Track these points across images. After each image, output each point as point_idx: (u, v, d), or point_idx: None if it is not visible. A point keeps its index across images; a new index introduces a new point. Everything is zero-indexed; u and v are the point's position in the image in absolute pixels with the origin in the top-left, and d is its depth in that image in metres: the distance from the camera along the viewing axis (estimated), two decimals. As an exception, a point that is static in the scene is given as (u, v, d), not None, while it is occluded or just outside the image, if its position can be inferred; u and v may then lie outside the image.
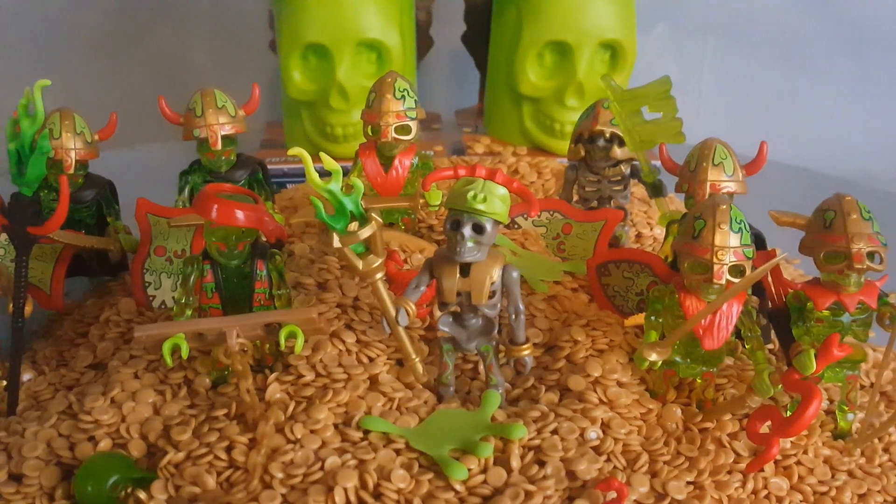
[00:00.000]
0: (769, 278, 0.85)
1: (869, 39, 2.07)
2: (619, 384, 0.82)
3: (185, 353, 0.74)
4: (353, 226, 0.73)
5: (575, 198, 1.13)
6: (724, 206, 0.76)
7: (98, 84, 1.96)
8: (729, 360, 0.87)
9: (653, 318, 0.81)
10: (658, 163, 0.99)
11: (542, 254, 1.04)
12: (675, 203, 1.18)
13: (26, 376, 0.90)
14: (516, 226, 1.09)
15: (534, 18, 1.52)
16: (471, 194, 0.73)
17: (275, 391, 0.79)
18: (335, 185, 0.72)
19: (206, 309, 0.81)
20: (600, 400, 0.80)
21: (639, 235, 1.20)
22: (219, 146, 0.99)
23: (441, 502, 0.69)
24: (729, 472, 0.75)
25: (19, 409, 0.85)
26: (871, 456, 0.81)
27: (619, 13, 1.51)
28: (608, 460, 0.75)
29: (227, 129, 1.00)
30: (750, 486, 0.74)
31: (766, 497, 0.74)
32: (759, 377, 0.77)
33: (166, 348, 0.74)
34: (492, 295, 0.77)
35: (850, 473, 0.79)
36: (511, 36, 1.58)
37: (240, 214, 0.75)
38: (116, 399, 0.80)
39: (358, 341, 0.85)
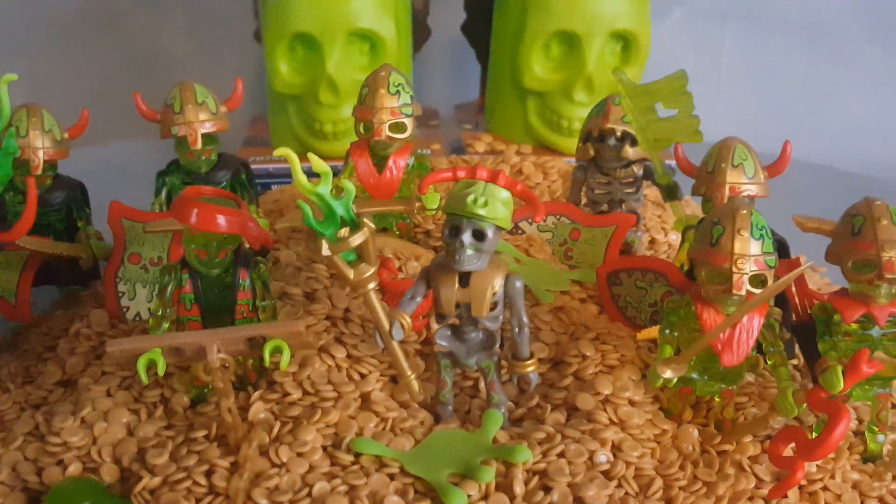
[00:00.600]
0: (793, 289, 0.86)
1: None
2: (631, 403, 0.82)
3: (161, 370, 0.74)
4: (344, 232, 0.73)
5: (583, 201, 1.13)
6: (745, 211, 0.76)
7: (68, 77, 1.96)
8: (750, 377, 0.87)
9: (667, 331, 0.81)
10: (673, 163, 0.99)
11: (548, 261, 1.05)
12: (692, 207, 1.18)
13: (-11, 394, 0.90)
14: (520, 231, 1.09)
15: (539, 6, 1.52)
16: (471, 198, 0.73)
17: (258, 410, 0.79)
18: (324, 187, 0.72)
19: (184, 322, 0.81)
20: (611, 420, 0.80)
21: (652, 241, 1.20)
22: (198, 145, 0.99)
23: (438, 531, 0.70)
24: (750, 499, 0.75)
25: (-19, 430, 0.85)
26: (903, 481, 0.81)
27: (632, 0, 1.51)
28: (619, 486, 0.75)
29: (208, 127, 1.00)
30: (773, 513, 0.74)
31: (791, 525, 0.75)
32: (783, 395, 0.77)
33: (141, 364, 0.74)
34: (493, 306, 0.77)
35: (881, 500, 0.79)
36: (515, 25, 1.58)
37: (221, 219, 0.75)
38: (87, 419, 0.80)
39: (349, 356, 0.85)
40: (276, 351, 0.75)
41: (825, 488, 0.77)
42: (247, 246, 0.82)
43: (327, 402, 0.80)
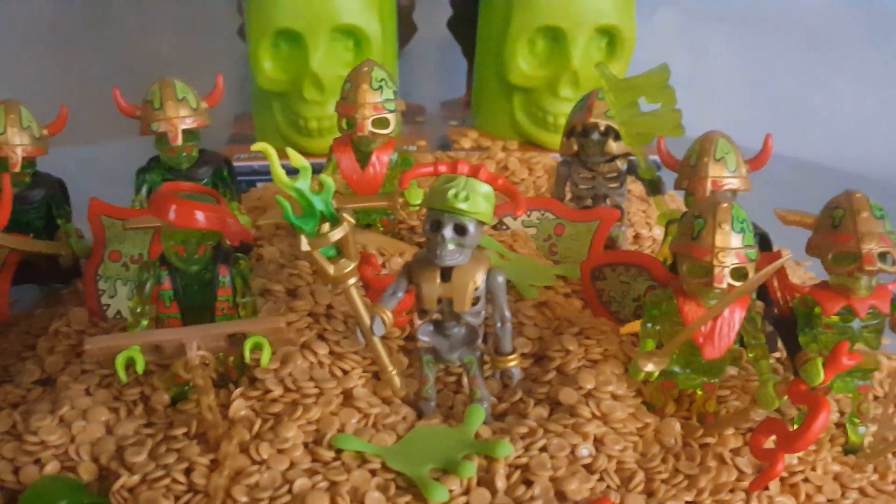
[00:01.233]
0: (774, 282, 0.86)
1: (890, 26, 2.08)
2: (614, 397, 0.82)
3: (140, 368, 0.74)
4: (324, 227, 0.74)
5: (568, 196, 1.13)
6: (726, 205, 0.76)
7: (48, 73, 1.96)
8: (732, 370, 0.88)
9: (649, 325, 0.82)
10: (656, 158, 1.00)
11: (532, 257, 1.05)
12: (676, 201, 1.19)
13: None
14: (504, 226, 1.09)
15: (525, 2, 1.53)
16: (452, 192, 0.73)
17: (239, 408, 0.79)
18: (303, 182, 0.72)
19: (163, 319, 0.81)
20: (593, 414, 0.80)
21: (637, 236, 1.20)
22: (179, 141, 0.99)
23: (419, 526, 0.70)
24: (731, 491, 0.75)
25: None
26: (884, 472, 0.81)
27: (617, -4, 1.51)
28: (601, 479, 0.75)
29: (189, 123, 1.00)
30: (754, 505, 0.75)
31: (772, 517, 0.75)
32: (764, 388, 0.77)
33: (120, 362, 0.74)
34: (475, 301, 0.77)
35: (862, 491, 0.79)
36: (500, 21, 1.58)
37: (200, 215, 0.75)
38: (66, 418, 0.80)
39: (331, 353, 0.85)
40: (257, 348, 0.76)
41: (806, 480, 0.78)
42: (227, 242, 0.82)
43: (309, 399, 0.80)
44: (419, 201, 0.98)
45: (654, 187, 1.06)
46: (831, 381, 0.76)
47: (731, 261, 0.75)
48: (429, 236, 0.75)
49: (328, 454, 0.75)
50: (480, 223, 0.75)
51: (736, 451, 0.79)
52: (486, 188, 0.75)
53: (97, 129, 1.57)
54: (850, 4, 2.08)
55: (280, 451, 0.75)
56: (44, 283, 1.09)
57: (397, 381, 0.82)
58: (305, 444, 0.77)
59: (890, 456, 0.83)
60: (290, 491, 0.72)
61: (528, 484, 0.73)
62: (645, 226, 1.21)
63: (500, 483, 0.73)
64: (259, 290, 0.91)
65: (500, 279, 0.77)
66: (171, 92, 1.00)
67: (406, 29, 1.79)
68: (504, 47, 1.56)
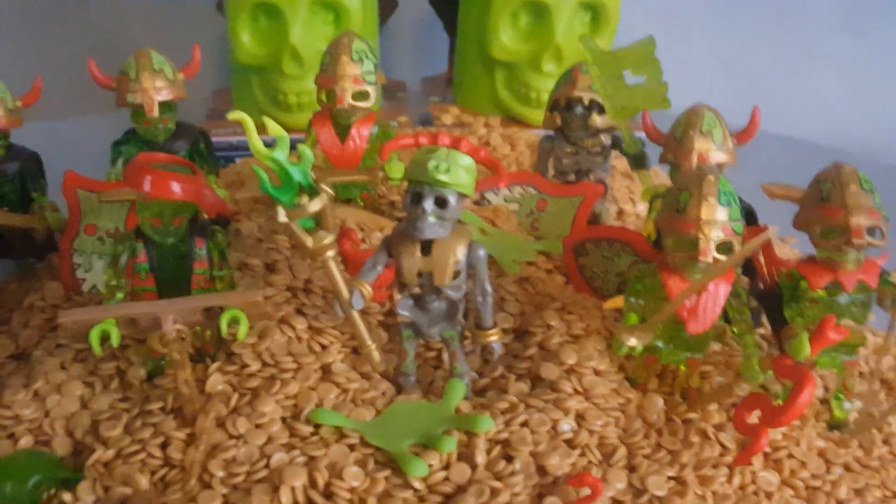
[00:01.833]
0: (761, 257, 0.85)
1: (868, 4, 2.08)
2: (596, 372, 0.82)
3: (115, 341, 0.73)
4: (302, 199, 0.73)
5: (551, 172, 1.12)
6: (712, 178, 0.75)
7: (22, 47, 1.94)
8: (716, 346, 0.87)
9: (633, 299, 0.81)
10: (642, 135, 0.99)
11: (514, 232, 1.04)
12: (661, 176, 1.18)
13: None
14: (486, 202, 1.09)
15: (508, -24, 1.51)
16: (432, 164, 0.72)
17: (216, 382, 0.79)
18: (280, 153, 0.71)
19: (139, 292, 0.80)
20: (575, 390, 0.79)
21: (620, 212, 1.20)
22: (155, 113, 0.98)
23: (398, 501, 0.69)
24: (714, 466, 0.75)
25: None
26: (868, 448, 0.81)
27: (602, -30, 1.50)
28: (582, 454, 0.75)
29: (165, 95, 0.98)
30: (737, 480, 0.74)
31: (755, 493, 0.75)
32: (748, 363, 0.77)
33: (94, 335, 0.73)
34: (456, 275, 0.76)
35: (847, 467, 0.79)
36: (483, -5, 1.57)
37: (175, 186, 0.74)
38: (40, 392, 0.79)
39: (309, 328, 0.84)
40: (234, 321, 0.75)
41: (790, 456, 0.78)
42: (203, 215, 0.80)
43: (287, 374, 0.79)
44: (400, 175, 0.97)
45: (639, 162, 1.06)
46: (817, 356, 0.75)
47: (716, 234, 0.74)
48: (409, 209, 0.74)
49: (306, 429, 0.75)
50: (462, 196, 0.74)
51: (719, 427, 0.78)
52: (467, 160, 0.74)
53: (72, 104, 1.56)
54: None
55: (257, 426, 0.75)
56: (18, 258, 1.08)
57: (376, 355, 0.81)
58: (283, 419, 0.76)
59: (874, 432, 0.83)
60: (267, 465, 0.71)
61: (509, 459, 0.73)
62: (628, 201, 1.21)
63: (480, 458, 0.72)
64: (237, 265, 0.90)
65: (482, 253, 0.77)
66: (147, 62, 0.98)
67: (387, 4, 1.77)
68: (487, 22, 1.55)
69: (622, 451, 0.75)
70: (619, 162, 1.27)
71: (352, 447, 0.73)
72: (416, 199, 0.73)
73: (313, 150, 0.96)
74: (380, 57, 1.52)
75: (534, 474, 0.72)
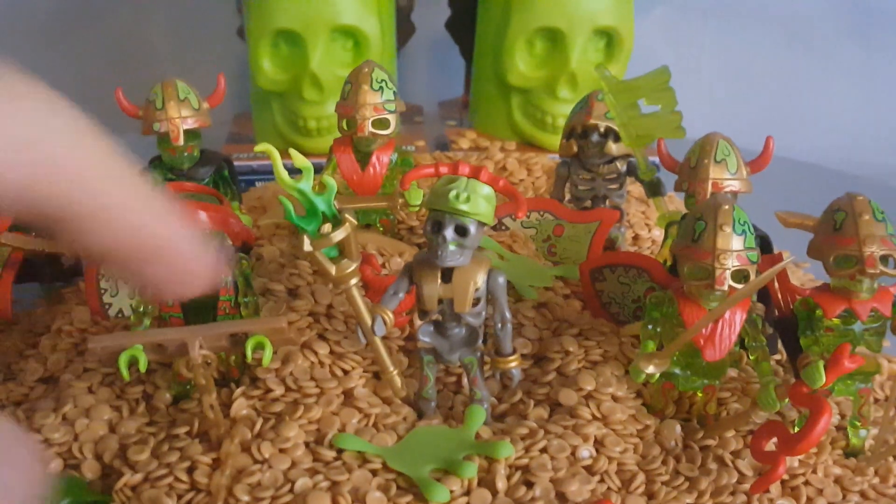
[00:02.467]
0: (775, 284, 0.86)
1: (880, 23, 2.08)
2: (614, 398, 0.82)
3: (143, 366, 0.74)
4: (326, 228, 0.73)
5: (567, 197, 1.13)
6: (727, 207, 0.76)
7: (48, 73, 1.94)
8: (732, 373, 0.87)
9: (650, 326, 0.81)
10: (656, 159, 0.99)
11: (532, 257, 1.05)
12: (675, 203, 1.19)
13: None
14: (503, 227, 1.09)
15: (523, 3, 1.52)
16: (453, 193, 0.73)
17: (241, 407, 0.79)
18: (305, 183, 0.72)
19: (166, 318, 0.81)
20: (593, 415, 0.80)
21: (636, 237, 1.20)
22: (181, 141, 0.99)
23: (421, 527, 0.69)
24: (732, 494, 0.75)
25: (-38, 427, 0.84)
26: (885, 475, 0.81)
27: (616, -3, 1.51)
28: (601, 481, 0.75)
29: (190, 123, 0.99)
30: (754, 508, 0.75)
31: (773, 520, 0.75)
32: (765, 390, 0.77)
33: (123, 361, 0.74)
34: (476, 302, 0.77)
35: (863, 494, 0.79)
36: (499, 22, 1.58)
37: (203, 216, 0.75)
38: (68, 416, 0.80)
39: (331, 353, 0.85)
40: (259, 347, 0.75)
41: (807, 483, 0.78)
42: (229, 242, 0.81)
43: (310, 399, 0.79)
44: (419, 202, 0.98)
45: (654, 189, 1.06)
46: (832, 383, 0.76)
47: (732, 263, 0.74)
48: (430, 237, 0.74)
49: (329, 454, 0.75)
50: (481, 224, 0.75)
51: (737, 454, 0.78)
52: (487, 189, 0.75)
53: (96, 127, 1.57)
54: (845, 3, 2.08)
55: (281, 451, 0.75)
56: (45, 282, 1.09)
57: (398, 381, 0.82)
58: (306, 444, 0.76)
59: (891, 459, 0.83)
60: (291, 490, 0.71)
61: (529, 485, 0.73)
62: (644, 227, 1.21)
63: (501, 484, 0.73)
64: (260, 290, 0.91)
65: (501, 280, 0.77)
66: (174, 92, 0.99)
67: (404, 29, 1.78)
68: (502, 48, 1.56)
69: (640, 478, 0.75)
70: (634, 188, 1.27)
71: (374, 472, 0.74)
72: (437, 227, 0.74)
73: (334, 177, 0.97)
74: (397, 80, 1.53)
75: (553, 500, 0.72)
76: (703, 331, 0.77)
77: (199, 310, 0.81)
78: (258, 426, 0.77)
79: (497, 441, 0.76)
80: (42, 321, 1.00)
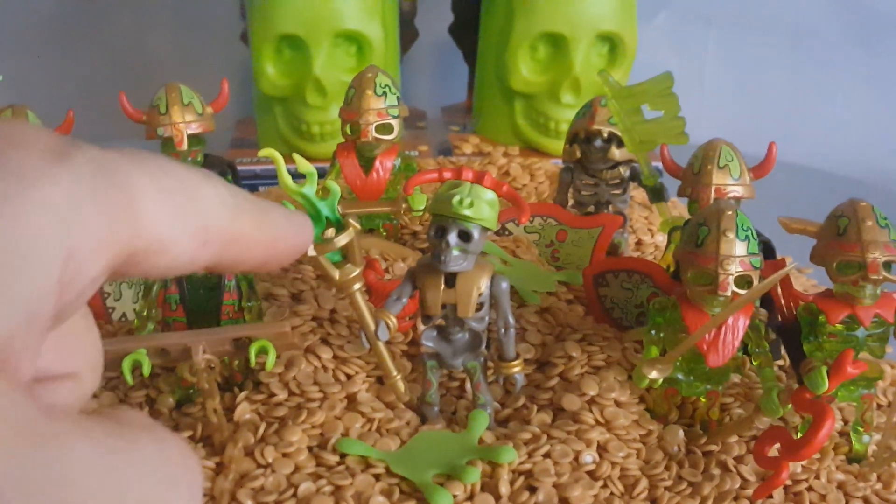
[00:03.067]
0: (778, 290, 0.86)
1: (883, 28, 2.08)
2: (617, 403, 0.82)
3: (146, 371, 0.74)
4: (330, 232, 0.73)
5: (570, 202, 1.13)
6: (730, 212, 0.76)
7: (53, 78, 1.96)
8: (735, 378, 0.88)
9: (653, 332, 0.81)
10: (659, 165, 0.99)
11: (535, 262, 1.05)
12: (678, 208, 1.19)
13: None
14: (507, 232, 1.09)
15: (526, 8, 1.53)
16: (456, 199, 0.73)
17: (244, 411, 0.79)
18: (309, 188, 0.72)
19: (169, 322, 0.81)
20: (596, 421, 0.80)
21: (639, 243, 1.20)
22: (184, 146, 0.99)
23: (424, 531, 0.69)
24: (735, 499, 0.75)
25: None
26: (888, 481, 0.81)
27: (619, 2, 1.51)
28: (604, 486, 0.75)
29: (194, 128, 0.99)
30: (757, 513, 0.75)
31: (775, 525, 0.75)
32: (768, 396, 0.77)
33: (126, 365, 0.73)
34: (479, 307, 0.77)
35: (866, 500, 0.79)
36: (502, 27, 1.58)
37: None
38: (71, 420, 0.80)
39: (335, 357, 0.85)
40: (262, 352, 0.75)
41: (810, 489, 0.78)
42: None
43: (313, 403, 0.80)
44: (422, 207, 0.98)
45: (657, 194, 1.06)
46: (835, 389, 0.76)
47: (735, 269, 0.74)
48: (433, 242, 0.75)
49: (332, 458, 0.75)
50: (485, 229, 0.75)
51: (739, 459, 0.78)
52: (490, 195, 0.75)
53: (100, 132, 1.57)
54: (843, 8, 2.08)
55: (285, 455, 0.75)
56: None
57: (401, 385, 0.82)
58: (310, 448, 0.76)
59: (894, 465, 0.83)
60: (294, 495, 0.72)
61: (532, 490, 0.73)
62: (647, 232, 1.21)
63: (504, 489, 0.73)
64: (263, 295, 0.91)
65: (504, 285, 0.77)
66: (177, 97, 0.99)
67: (408, 34, 1.78)
68: (505, 53, 1.56)
69: (644, 483, 0.75)
70: (637, 193, 1.27)
71: (377, 477, 0.74)
72: (441, 232, 0.74)
73: (337, 182, 0.97)
74: (400, 85, 1.53)
75: (557, 505, 0.72)
76: (707, 336, 0.77)
77: (203, 314, 0.81)
78: (261, 430, 0.77)
79: (500, 446, 0.76)
80: (45, 325, 1.00)
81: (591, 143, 1.08)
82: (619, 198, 1.11)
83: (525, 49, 1.54)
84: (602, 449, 0.78)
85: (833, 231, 0.79)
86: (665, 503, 0.74)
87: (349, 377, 0.83)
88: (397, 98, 1.01)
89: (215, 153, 1.07)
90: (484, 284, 0.76)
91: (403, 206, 1.00)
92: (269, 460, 0.74)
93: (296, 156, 0.72)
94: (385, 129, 1.00)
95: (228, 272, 0.80)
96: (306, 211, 0.73)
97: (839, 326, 0.79)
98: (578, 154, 1.09)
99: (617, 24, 1.50)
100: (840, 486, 0.79)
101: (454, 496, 0.71)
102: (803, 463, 0.79)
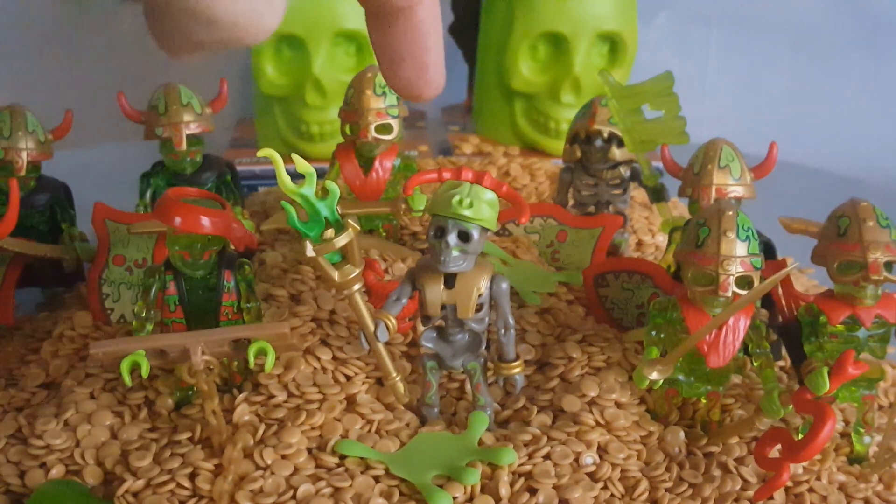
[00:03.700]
0: (779, 290, 0.86)
1: (884, 29, 2.08)
2: (618, 405, 0.82)
3: (145, 372, 0.74)
4: (329, 233, 0.73)
5: (571, 202, 1.13)
6: (731, 213, 0.76)
7: (51, 78, 1.95)
8: (736, 379, 0.87)
9: (653, 332, 0.81)
10: (660, 165, 0.99)
11: (535, 263, 1.05)
12: (679, 208, 1.19)
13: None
14: (507, 233, 1.09)
15: (526, 8, 1.52)
16: (456, 199, 0.73)
17: (243, 413, 0.79)
18: (308, 188, 0.72)
19: (168, 323, 0.81)
20: (597, 422, 0.80)
21: (639, 243, 1.20)
22: (183, 146, 0.99)
23: (423, 533, 0.69)
24: (736, 500, 0.75)
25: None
26: (889, 482, 0.81)
27: (619, 2, 1.51)
28: (605, 487, 0.75)
29: (193, 128, 1.00)
30: (758, 514, 0.74)
31: (776, 527, 0.75)
32: (769, 397, 0.77)
33: (125, 366, 0.73)
34: (479, 308, 0.77)
35: (867, 501, 0.79)
36: (502, 26, 1.58)
37: (205, 221, 0.75)
38: (70, 422, 0.80)
39: (334, 358, 0.85)
40: (261, 353, 0.75)
41: (811, 490, 0.77)
42: (231, 248, 0.81)
43: (312, 405, 0.80)
44: (422, 207, 0.98)
45: (658, 194, 1.06)
46: (836, 390, 0.75)
47: (735, 269, 0.74)
48: (433, 242, 0.75)
49: (332, 460, 0.75)
50: (484, 230, 0.75)
51: (740, 460, 0.78)
52: (490, 195, 0.75)
53: (99, 132, 1.57)
54: (846, 8, 2.08)
55: (284, 457, 0.75)
56: (47, 287, 1.09)
57: (401, 387, 0.82)
58: (309, 450, 0.76)
59: (895, 466, 0.83)
60: (294, 497, 0.72)
61: (532, 492, 0.73)
62: (648, 233, 1.21)
63: (504, 490, 0.73)
64: (262, 296, 0.91)
65: (504, 286, 0.77)
66: (176, 97, 1.00)
67: (407, 34, 1.78)
68: (506, 53, 1.56)
69: (644, 485, 0.75)
70: (638, 193, 1.27)
71: (377, 479, 0.74)
72: (440, 232, 0.74)
73: (337, 182, 0.97)
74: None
75: (557, 507, 0.72)
76: (707, 337, 0.77)
77: (202, 315, 0.81)
78: (260, 432, 0.77)
79: (500, 447, 0.76)
80: (43, 326, 1.00)
81: (592, 143, 1.08)
82: (619, 198, 1.11)
83: (525, 49, 1.53)
84: (602, 450, 0.78)
85: (834, 231, 0.79)
86: (665, 504, 0.74)
87: (348, 378, 0.83)
88: (397, 98, 1.01)
89: (214, 153, 1.07)
90: (484, 285, 0.76)
91: (403, 206, 0.99)
92: (269, 462, 0.74)
93: (295, 156, 0.72)
94: (384, 129, 1.00)
95: None
96: (306, 211, 0.73)
97: (840, 327, 0.79)
98: (579, 154, 1.09)
99: (617, 23, 1.50)
100: (841, 487, 0.79)
101: (454, 498, 0.71)
102: (804, 464, 0.79)
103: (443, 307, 0.77)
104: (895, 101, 2.08)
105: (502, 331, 0.78)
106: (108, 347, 0.74)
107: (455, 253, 0.74)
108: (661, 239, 1.19)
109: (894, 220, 0.78)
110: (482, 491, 0.73)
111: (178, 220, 0.74)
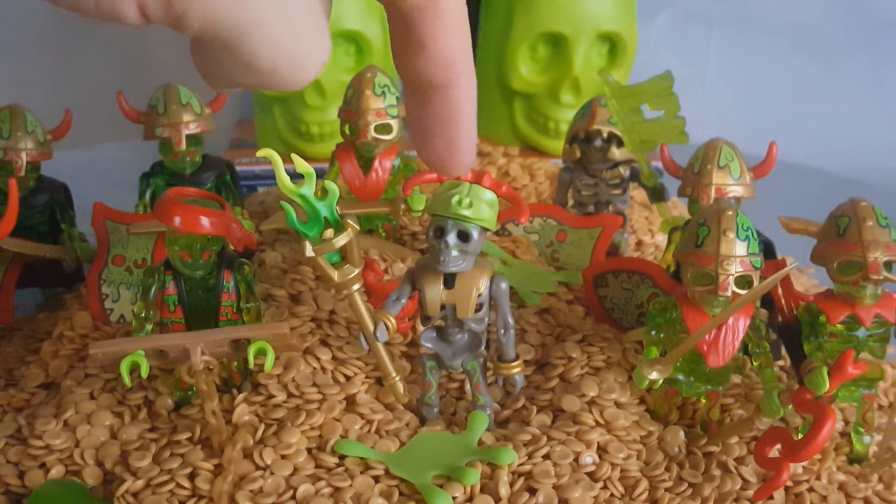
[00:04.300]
0: (779, 290, 0.86)
1: (884, 29, 2.08)
2: (617, 405, 0.82)
3: (144, 372, 0.74)
4: (328, 233, 0.73)
5: (570, 202, 1.13)
6: (730, 212, 0.76)
7: (50, 78, 1.95)
8: (736, 379, 0.87)
9: (653, 332, 0.81)
10: (659, 165, 0.99)
11: (535, 263, 1.05)
12: (679, 208, 1.19)
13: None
14: (506, 233, 1.09)
15: (526, 8, 1.52)
16: (455, 199, 0.73)
17: (243, 413, 0.79)
18: (308, 188, 0.72)
19: (167, 323, 0.81)
20: (596, 422, 0.80)
21: (639, 243, 1.20)
22: (183, 146, 0.99)
23: (423, 533, 0.69)
24: (735, 500, 0.75)
25: (-37, 433, 0.84)
26: (889, 482, 0.81)
27: (619, 2, 1.51)
28: (605, 487, 0.75)
29: (192, 128, 1.00)
30: (758, 514, 0.74)
31: (776, 527, 0.75)
32: (768, 397, 0.77)
33: (124, 366, 0.73)
34: (479, 308, 0.77)
35: (867, 501, 0.79)
36: (501, 26, 1.58)
37: (205, 221, 0.75)
38: (70, 422, 0.80)
39: (334, 358, 0.85)
40: (261, 353, 0.75)
41: (811, 489, 0.78)
42: (231, 248, 0.81)
43: (312, 405, 0.80)
44: (422, 207, 0.98)
45: (657, 194, 1.06)
46: (836, 390, 0.76)
47: (735, 269, 0.74)
48: (432, 243, 0.75)
49: (331, 460, 0.75)
50: (484, 230, 0.75)
51: (740, 460, 0.79)
52: (489, 195, 0.75)
53: (98, 132, 1.57)
54: (846, 9, 2.08)
55: (283, 457, 0.75)
56: (46, 287, 1.09)
57: (400, 386, 0.82)
58: (309, 450, 0.76)
59: (895, 465, 0.83)
60: (293, 497, 0.72)
61: (532, 492, 0.73)
62: (647, 233, 1.21)
63: (504, 490, 0.73)
64: (262, 296, 0.91)
65: (504, 286, 0.77)
66: (175, 97, 1.00)
67: (407, 34, 1.78)
68: (505, 53, 1.55)
69: (644, 485, 0.75)
70: (637, 193, 1.27)
71: (377, 479, 0.74)
72: (440, 232, 0.74)
73: (336, 182, 0.97)
74: (400, 86, 1.53)
75: (556, 507, 0.72)
76: (707, 337, 0.77)
77: (201, 315, 0.81)
78: (260, 432, 0.77)
79: (500, 447, 0.76)
80: (43, 327, 1.00)
81: (591, 143, 1.08)
82: (619, 198, 1.11)
83: (525, 49, 1.53)
84: (602, 450, 0.78)
85: (833, 231, 0.79)
86: (665, 504, 0.74)
87: (348, 378, 0.83)
88: (396, 98, 1.01)
89: (214, 153, 1.07)
90: (483, 285, 0.76)
91: (402, 206, 1.00)
92: (268, 462, 0.74)
93: (294, 156, 0.72)
94: (384, 129, 1.00)
95: None
96: (305, 211, 0.73)
97: (840, 327, 0.79)
98: (578, 154, 1.09)
99: (617, 23, 1.50)
100: (841, 486, 0.79)
101: (454, 498, 0.71)
102: (804, 464, 0.79)
103: (442, 307, 0.77)
104: (895, 101, 2.08)
105: (502, 331, 0.78)
106: (108, 348, 0.74)
107: (454, 253, 0.74)
108: (661, 239, 1.19)
109: (894, 220, 0.78)
110: (482, 491, 0.73)
111: (177, 220, 0.74)
